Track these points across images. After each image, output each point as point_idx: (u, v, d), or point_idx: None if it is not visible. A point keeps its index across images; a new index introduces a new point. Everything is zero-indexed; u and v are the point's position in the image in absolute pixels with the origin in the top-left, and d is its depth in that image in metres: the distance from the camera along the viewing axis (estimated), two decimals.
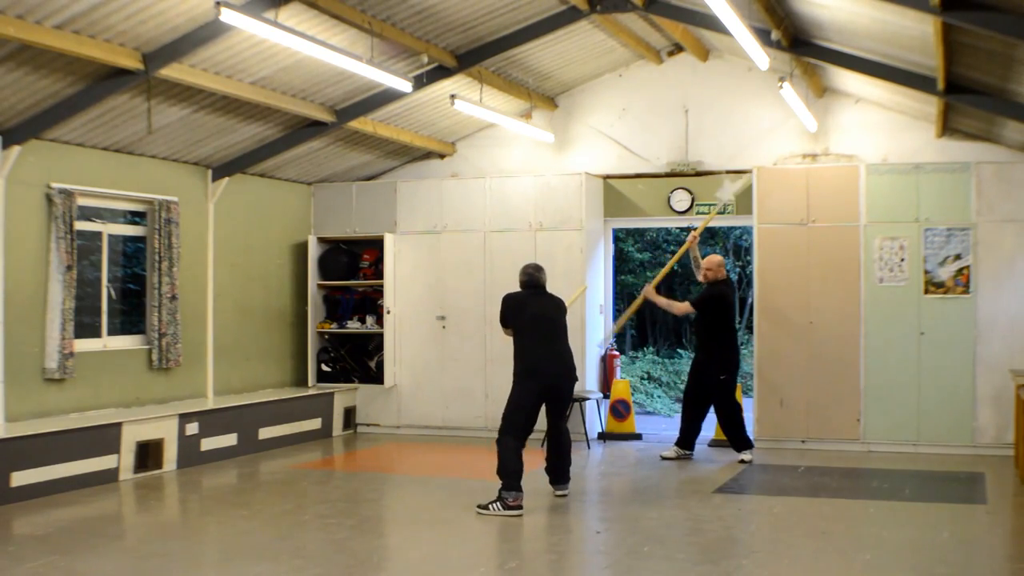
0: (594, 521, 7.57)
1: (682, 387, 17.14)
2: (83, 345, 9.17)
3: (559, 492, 7.91)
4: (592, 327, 11.16)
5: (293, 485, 8.72)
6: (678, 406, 16.20)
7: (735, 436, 9.72)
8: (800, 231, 10.42)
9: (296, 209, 11.81)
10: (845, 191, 10.29)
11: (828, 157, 10.87)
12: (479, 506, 7.35)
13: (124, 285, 10.15)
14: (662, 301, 10.25)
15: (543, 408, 7.80)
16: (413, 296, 11.46)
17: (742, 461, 9.54)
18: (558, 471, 7.94)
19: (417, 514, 7.65)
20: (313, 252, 11.72)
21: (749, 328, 16.40)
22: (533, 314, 7.82)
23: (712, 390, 9.79)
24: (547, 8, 9.17)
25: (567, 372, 7.84)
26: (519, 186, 11.22)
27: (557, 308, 8.01)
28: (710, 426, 11.26)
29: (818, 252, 10.34)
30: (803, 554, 6.37)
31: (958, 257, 10.02)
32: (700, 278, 10.15)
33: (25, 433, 7.96)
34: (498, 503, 7.30)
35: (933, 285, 10.07)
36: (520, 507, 7.29)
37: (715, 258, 9.94)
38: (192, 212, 10.29)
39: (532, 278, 8.01)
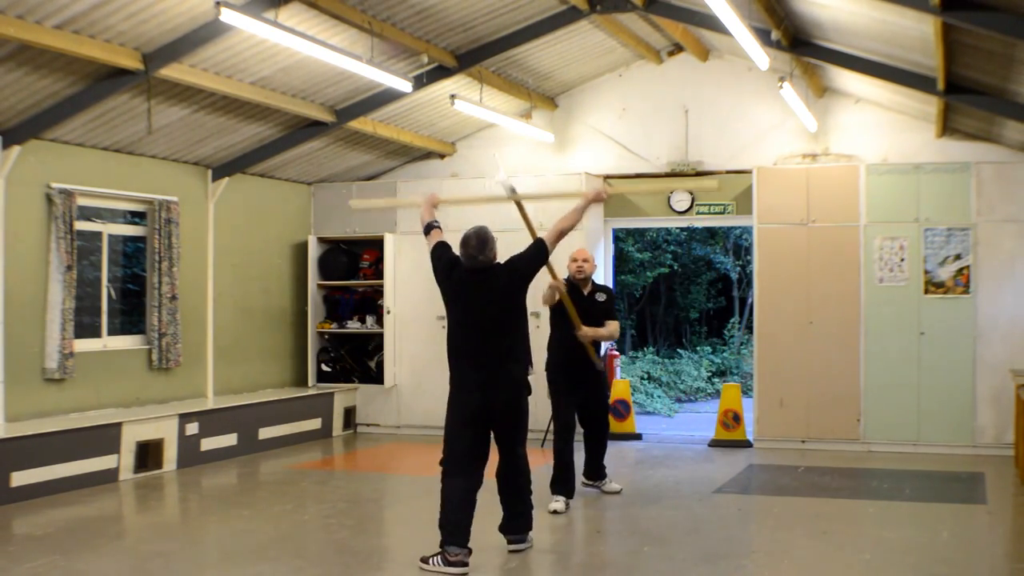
0: (594, 522, 7.57)
1: (682, 387, 17.25)
2: (83, 345, 9.16)
3: (512, 547, 6.33)
4: None
5: (293, 485, 8.72)
6: (678, 406, 16.25)
7: (600, 465, 8.23)
8: (800, 231, 10.42)
9: (296, 209, 11.81)
10: (845, 191, 10.29)
11: (828, 157, 10.87)
12: (422, 559, 5.98)
13: (124, 285, 10.14)
14: (602, 333, 7.79)
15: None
16: (413, 296, 11.45)
17: (615, 492, 8.12)
18: (511, 517, 6.36)
19: (417, 514, 7.64)
20: (313, 252, 11.73)
21: (749, 328, 16.41)
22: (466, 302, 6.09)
23: (605, 412, 8.20)
24: (547, 8, 9.17)
25: (505, 384, 6.05)
26: (519, 186, 11.16)
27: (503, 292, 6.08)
28: (710, 426, 11.26)
29: (818, 252, 10.34)
30: (803, 554, 6.37)
31: (958, 257, 10.02)
32: (575, 270, 7.93)
33: (25, 433, 7.96)
34: (438, 557, 5.90)
35: (933, 285, 10.07)
36: (463, 564, 5.84)
37: (587, 250, 8.17)
38: (192, 212, 10.29)
39: (473, 259, 6.06)
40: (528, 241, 6.40)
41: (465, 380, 6.04)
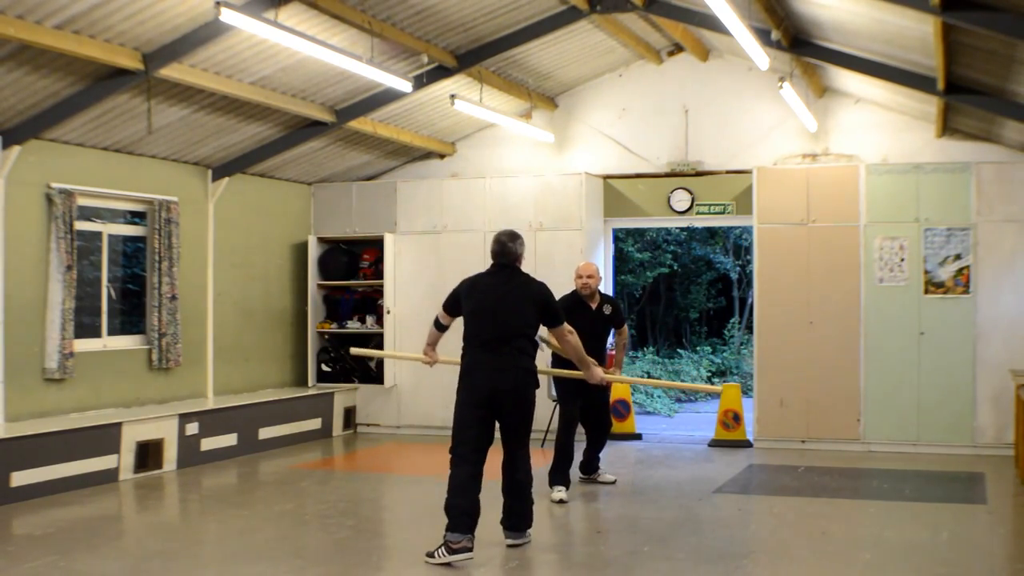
0: (594, 521, 7.57)
1: None
2: (83, 345, 9.16)
3: (509, 541, 6.47)
4: None
5: (293, 485, 8.72)
6: (678, 405, 16.24)
7: (595, 461, 8.63)
8: (800, 231, 10.42)
9: (296, 209, 11.81)
10: (845, 191, 10.29)
11: (828, 157, 10.88)
12: (427, 554, 6.05)
13: (124, 285, 10.15)
14: (616, 375, 8.43)
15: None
16: (413, 296, 11.46)
17: (610, 482, 8.51)
18: (510, 513, 6.49)
19: (417, 514, 7.65)
20: (313, 252, 11.73)
21: (749, 328, 16.40)
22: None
23: (607, 415, 8.62)
24: (547, 8, 9.17)
25: (514, 370, 6.28)
26: (519, 186, 11.22)
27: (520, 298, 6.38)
28: (710, 426, 11.27)
29: (818, 252, 10.34)
30: (803, 554, 6.37)
31: (958, 257, 10.02)
32: (581, 286, 8.20)
33: (25, 433, 7.96)
34: (442, 548, 5.99)
35: (933, 285, 10.08)
36: (467, 549, 5.99)
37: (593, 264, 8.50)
38: (192, 212, 10.29)
39: (502, 246, 6.45)
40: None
41: (477, 363, 6.29)
